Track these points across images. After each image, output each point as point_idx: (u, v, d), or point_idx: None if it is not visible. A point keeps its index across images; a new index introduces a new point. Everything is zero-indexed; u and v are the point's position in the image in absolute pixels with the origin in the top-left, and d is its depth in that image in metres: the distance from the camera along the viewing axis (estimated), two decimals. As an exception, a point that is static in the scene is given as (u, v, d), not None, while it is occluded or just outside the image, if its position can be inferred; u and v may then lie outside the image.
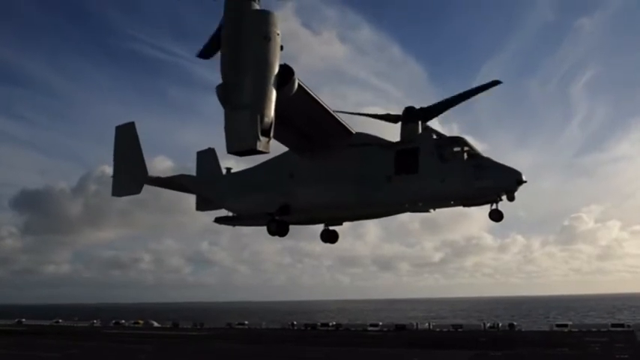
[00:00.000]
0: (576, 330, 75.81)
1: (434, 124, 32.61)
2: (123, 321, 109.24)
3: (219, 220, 37.99)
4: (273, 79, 21.73)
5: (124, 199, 41.44)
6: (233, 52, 21.67)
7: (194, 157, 43.55)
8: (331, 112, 29.26)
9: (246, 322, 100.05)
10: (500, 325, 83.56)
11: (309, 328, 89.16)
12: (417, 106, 31.92)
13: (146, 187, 39.31)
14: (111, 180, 40.47)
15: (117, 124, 40.77)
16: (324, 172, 31.79)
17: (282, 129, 24.04)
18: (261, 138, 21.34)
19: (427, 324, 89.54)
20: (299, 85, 24.38)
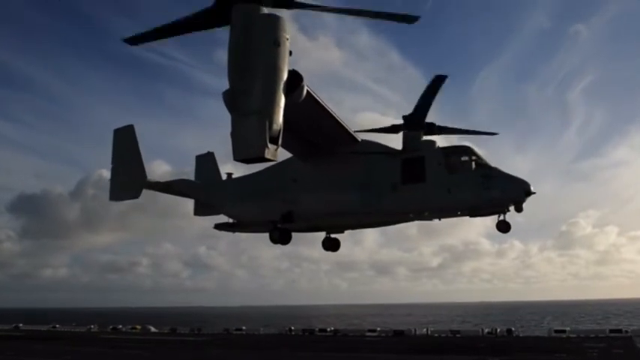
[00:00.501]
0: (574, 336, 75.63)
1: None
2: (120, 326, 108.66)
3: (219, 227, 37.49)
4: (282, 85, 21.21)
5: (122, 202, 40.99)
6: (241, 58, 21.05)
7: (192, 161, 43.20)
8: (338, 119, 28.80)
9: (244, 328, 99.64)
10: (498, 330, 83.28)
11: (307, 334, 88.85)
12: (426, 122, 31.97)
13: (144, 191, 38.88)
14: (109, 184, 39.70)
15: (115, 128, 40.11)
16: (329, 179, 31.35)
17: (288, 135, 23.41)
18: (270, 145, 20.80)
19: (425, 329, 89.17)
20: (307, 91, 24.05)
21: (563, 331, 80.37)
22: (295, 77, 22.85)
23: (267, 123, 20.69)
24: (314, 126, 28.64)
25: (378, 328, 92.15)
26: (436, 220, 31.96)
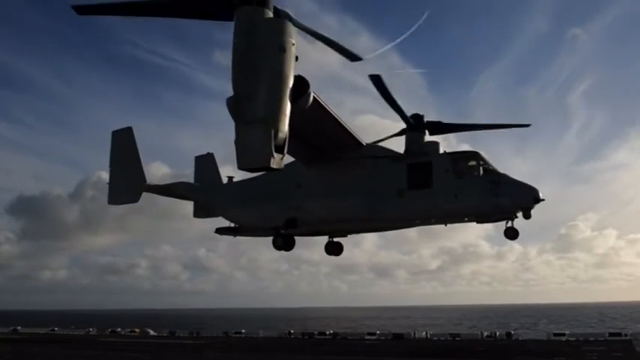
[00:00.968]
0: (574, 339, 75.56)
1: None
2: (119, 329, 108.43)
3: (220, 231, 36.86)
4: (287, 92, 20.44)
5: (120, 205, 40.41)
6: (246, 63, 20.19)
7: (192, 163, 42.64)
8: (344, 124, 28.19)
9: (243, 331, 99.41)
10: (497, 333, 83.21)
11: (306, 337, 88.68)
12: (424, 116, 31.44)
13: (143, 194, 38.42)
14: (107, 187, 39.13)
15: (114, 129, 39.36)
16: (334, 185, 30.72)
17: (292, 141, 22.45)
18: (275, 155, 20.11)
19: (425, 333, 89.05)
20: (314, 97, 23.43)
21: (563, 335, 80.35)
22: (301, 83, 22.11)
23: (273, 132, 20.00)
24: (319, 131, 28.04)
25: (378, 332, 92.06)
26: (438, 225, 31.49)
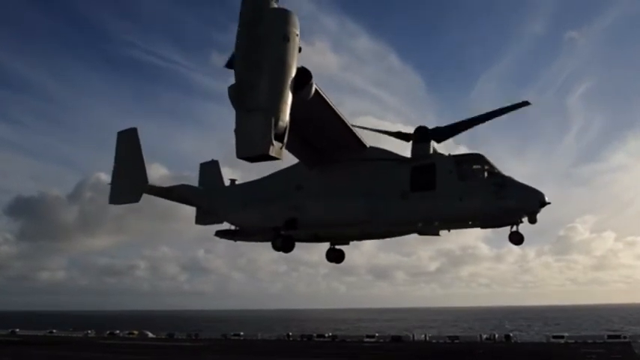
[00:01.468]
0: (573, 341, 75.43)
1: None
2: (117, 331, 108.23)
3: (220, 234, 36.70)
4: (290, 81, 20.53)
5: (120, 205, 40.43)
6: (249, 52, 20.41)
7: (191, 165, 43.33)
8: (347, 122, 28.01)
9: (242, 333, 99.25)
10: (496, 336, 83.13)
11: (305, 339, 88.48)
12: (429, 126, 30.65)
13: (144, 195, 38.40)
14: (108, 187, 39.13)
15: (118, 130, 39.70)
16: (335, 186, 30.37)
17: (295, 138, 22.72)
18: (275, 143, 20.09)
19: (424, 335, 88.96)
20: (316, 90, 23.32)
21: (562, 337, 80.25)
22: (304, 74, 22.02)
23: (273, 119, 19.91)
24: (321, 128, 27.81)
25: (377, 334, 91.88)
26: (441, 230, 30.53)
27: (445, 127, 30.71)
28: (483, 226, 28.44)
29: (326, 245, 35.96)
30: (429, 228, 30.20)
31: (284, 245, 31.40)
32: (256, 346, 77.36)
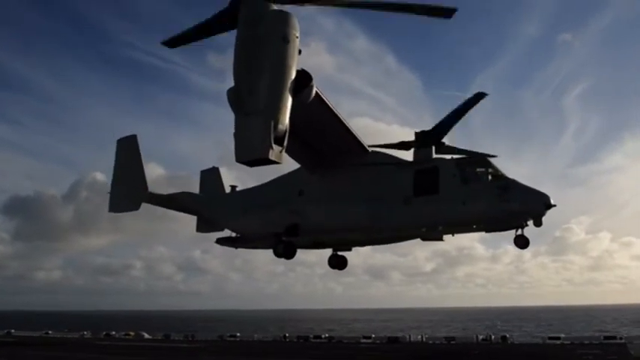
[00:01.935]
0: (569, 342, 75.64)
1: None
2: (113, 332, 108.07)
3: (220, 242, 36.26)
4: (289, 84, 20.15)
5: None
6: (248, 54, 20.03)
7: (187, 165, 44.51)
8: (348, 126, 27.60)
9: (238, 334, 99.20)
10: (493, 337, 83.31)
11: (301, 340, 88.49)
12: (426, 129, 30.49)
13: (143, 203, 37.87)
14: (105, 187, 38.83)
15: (118, 138, 39.35)
16: (337, 191, 29.95)
17: (295, 142, 22.39)
18: (274, 147, 19.68)
19: (420, 336, 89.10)
20: (316, 92, 23.04)
21: (558, 338, 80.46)
22: (304, 77, 21.75)
23: (273, 123, 19.58)
24: (322, 131, 27.50)
25: (373, 335, 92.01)
26: (445, 234, 30.51)
27: (434, 128, 30.47)
28: (488, 230, 28.03)
29: (328, 251, 35.55)
30: (433, 233, 29.86)
31: (285, 252, 30.93)
32: (253, 348, 77.31)
